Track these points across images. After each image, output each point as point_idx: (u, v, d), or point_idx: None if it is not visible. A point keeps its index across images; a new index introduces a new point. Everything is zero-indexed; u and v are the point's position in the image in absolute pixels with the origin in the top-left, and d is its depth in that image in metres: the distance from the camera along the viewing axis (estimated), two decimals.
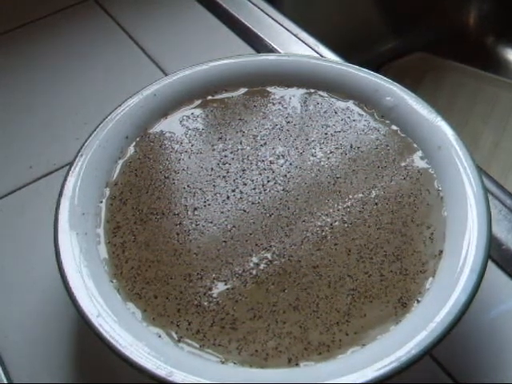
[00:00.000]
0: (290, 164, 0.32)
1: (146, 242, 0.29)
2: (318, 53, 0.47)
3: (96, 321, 0.25)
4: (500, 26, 0.72)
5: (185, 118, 0.35)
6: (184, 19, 0.52)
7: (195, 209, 0.30)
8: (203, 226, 0.30)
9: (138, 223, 0.30)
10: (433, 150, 0.31)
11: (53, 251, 0.27)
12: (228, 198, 0.31)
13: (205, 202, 0.31)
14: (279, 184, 0.31)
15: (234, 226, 0.29)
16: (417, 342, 0.24)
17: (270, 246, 0.29)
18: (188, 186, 0.31)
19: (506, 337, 0.31)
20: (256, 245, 0.29)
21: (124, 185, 0.32)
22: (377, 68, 0.68)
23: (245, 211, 0.30)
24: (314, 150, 0.33)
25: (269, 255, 0.28)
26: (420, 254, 0.28)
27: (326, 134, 0.33)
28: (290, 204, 0.30)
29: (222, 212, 0.30)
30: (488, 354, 0.30)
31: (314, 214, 0.30)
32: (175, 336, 0.26)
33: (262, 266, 0.28)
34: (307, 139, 0.33)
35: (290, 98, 0.35)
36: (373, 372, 0.23)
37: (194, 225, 0.30)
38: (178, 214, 0.30)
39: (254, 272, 0.28)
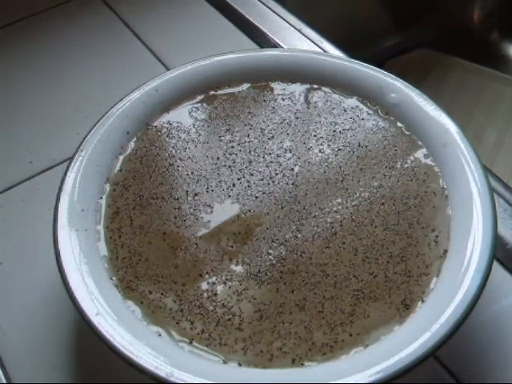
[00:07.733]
0: (298, 158, 0.32)
1: (141, 225, 0.29)
2: (321, 48, 0.47)
3: (95, 319, 0.24)
4: (504, 23, 0.71)
5: (194, 109, 0.35)
6: (186, 13, 0.51)
7: (196, 194, 0.30)
8: (200, 211, 0.29)
9: (137, 208, 0.30)
10: (438, 148, 0.31)
11: (52, 247, 0.27)
12: (234, 185, 0.31)
13: (207, 188, 0.31)
14: (287, 177, 0.31)
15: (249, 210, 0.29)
16: (420, 344, 0.23)
17: (286, 241, 0.28)
18: (192, 173, 0.31)
19: (510, 336, 0.30)
20: (272, 241, 0.28)
21: (128, 171, 0.32)
22: (380, 64, 0.68)
23: (256, 198, 0.30)
24: (321, 147, 0.32)
25: (283, 251, 0.28)
26: (424, 256, 0.27)
27: (334, 131, 0.33)
28: (300, 198, 0.30)
29: (230, 196, 0.30)
30: (492, 353, 0.30)
31: (324, 210, 0.29)
32: (176, 336, 0.25)
33: (277, 264, 0.27)
34: (315, 135, 0.33)
35: (300, 94, 0.35)
36: (375, 373, 0.23)
37: (192, 209, 0.30)
38: (178, 199, 0.30)
39: (270, 272, 0.27)
